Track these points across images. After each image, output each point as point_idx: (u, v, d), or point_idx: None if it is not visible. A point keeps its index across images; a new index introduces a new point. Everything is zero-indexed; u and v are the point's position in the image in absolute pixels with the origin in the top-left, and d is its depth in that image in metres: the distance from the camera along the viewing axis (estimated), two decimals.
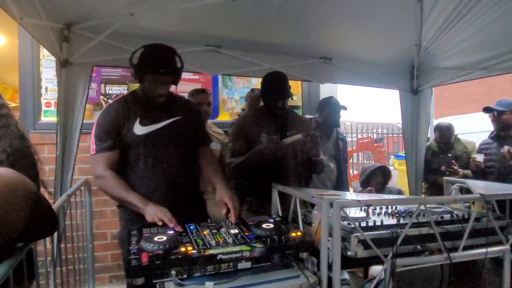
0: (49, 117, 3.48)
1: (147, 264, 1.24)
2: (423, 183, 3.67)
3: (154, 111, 1.87)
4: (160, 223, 1.59)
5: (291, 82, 2.42)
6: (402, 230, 1.52)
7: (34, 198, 1.16)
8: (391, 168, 6.36)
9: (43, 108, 3.51)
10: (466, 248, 1.62)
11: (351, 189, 4.22)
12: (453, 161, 3.48)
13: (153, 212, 1.64)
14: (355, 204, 1.62)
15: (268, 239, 1.42)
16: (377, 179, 3.46)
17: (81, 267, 2.38)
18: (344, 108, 3.22)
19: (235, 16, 2.53)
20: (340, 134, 3.35)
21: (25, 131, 1.76)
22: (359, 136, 7.95)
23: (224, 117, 4.12)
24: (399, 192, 3.60)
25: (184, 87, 3.33)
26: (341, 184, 3.17)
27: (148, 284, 1.25)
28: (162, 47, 1.82)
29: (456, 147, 3.64)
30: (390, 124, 11.07)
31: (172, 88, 1.90)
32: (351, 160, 7.30)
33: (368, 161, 8.41)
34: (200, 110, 2.87)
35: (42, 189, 1.77)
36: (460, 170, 3.43)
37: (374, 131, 8.79)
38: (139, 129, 1.82)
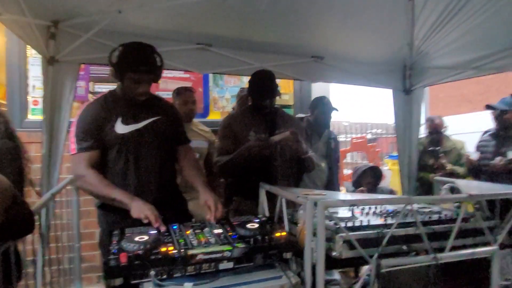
0: (36, 115, 3.42)
1: (126, 264, 1.22)
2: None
3: (135, 110, 1.87)
4: (146, 221, 1.57)
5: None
6: (388, 230, 1.51)
7: (9, 197, 1.15)
8: (385, 168, 6.37)
9: (30, 106, 3.46)
10: (454, 248, 1.60)
11: (344, 189, 4.20)
12: (442, 155, 3.56)
13: (139, 208, 1.63)
14: (339, 204, 1.60)
15: (252, 239, 1.40)
16: (368, 179, 3.44)
17: (68, 267, 2.35)
18: (336, 109, 3.21)
19: (226, 14, 2.50)
20: (332, 133, 3.33)
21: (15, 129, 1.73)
22: (354, 135, 7.95)
23: (215, 116, 4.08)
24: (391, 192, 3.58)
25: (174, 86, 3.28)
26: (331, 184, 3.15)
27: (127, 284, 1.23)
28: (141, 45, 1.80)
29: (445, 144, 3.76)
30: (385, 124, 11.07)
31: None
32: (345, 160, 7.28)
33: (363, 161, 8.41)
34: (186, 108, 2.86)
35: (30, 189, 1.74)
36: (449, 164, 3.53)
37: (369, 131, 8.80)
38: (121, 128, 1.81)
